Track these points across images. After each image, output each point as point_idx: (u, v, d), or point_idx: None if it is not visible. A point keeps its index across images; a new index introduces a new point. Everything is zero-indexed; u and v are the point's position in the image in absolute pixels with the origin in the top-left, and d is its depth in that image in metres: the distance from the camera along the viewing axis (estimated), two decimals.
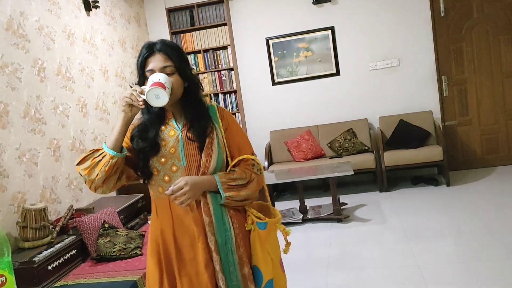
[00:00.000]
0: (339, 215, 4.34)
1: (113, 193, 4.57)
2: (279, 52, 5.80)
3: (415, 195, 4.88)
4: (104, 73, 4.80)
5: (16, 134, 3.31)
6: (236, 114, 5.88)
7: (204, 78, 5.90)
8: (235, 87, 5.85)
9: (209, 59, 5.87)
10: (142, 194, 4.25)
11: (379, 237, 3.89)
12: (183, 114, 1.61)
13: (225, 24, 5.77)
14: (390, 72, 5.57)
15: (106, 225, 3.42)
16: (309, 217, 4.45)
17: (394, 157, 5.07)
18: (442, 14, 5.35)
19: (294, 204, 4.91)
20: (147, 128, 1.59)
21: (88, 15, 4.62)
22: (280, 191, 5.83)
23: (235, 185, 1.53)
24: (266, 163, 5.48)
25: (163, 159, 1.56)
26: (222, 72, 5.86)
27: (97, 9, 4.76)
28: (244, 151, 1.64)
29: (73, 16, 4.34)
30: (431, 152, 4.98)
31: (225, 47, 5.82)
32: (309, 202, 4.88)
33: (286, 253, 1.71)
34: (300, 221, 4.42)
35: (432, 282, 2.89)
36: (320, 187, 5.59)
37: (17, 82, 3.39)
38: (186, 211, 1.55)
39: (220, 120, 1.62)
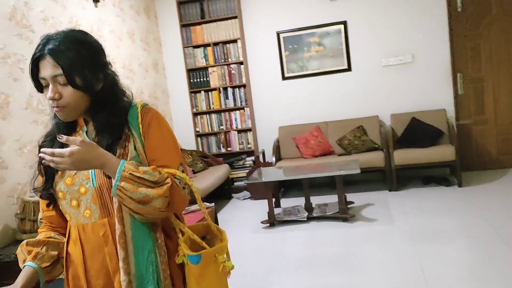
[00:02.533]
0: (345, 214, 4.24)
1: None
2: (290, 47, 5.70)
3: (425, 196, 4.74)
4: (111, 66, 4.76)
5: (17, 126, 3.29)
6: (245, 108, 5.80)
7: (213, 71, 5.83)
8: (244, 82, 5.77)
9: (218, 53, 5.80)
10: None
11: (384, 238, 3.78)
12: (92, 122, 1.30)
13: (235, 17, 5.69)
14: (403, 68, 5.42)
15: None
16: (315, 215, 4.37)
17: (404, 156, 4.94)
18: (459, 10, 5.17)
19: (300, 201, 4.83)
20: (54, 138, 1.30)
21: (96, 6, 4.58)
22: (288, 187, 5.75)
23: (139, 177, 1.15)
24: (274, 158, 5.40)
25: (68, 179, 1.27)
26: (232, 66, 5.78)
27: (105, 0, 4.72)
28: (164, 162, 1.26)
29: (80, 7, 4.31)
30: (443, 152, 4.83)
31: (235, 41, 5.74)
32: (316, 200, 4.79)
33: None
34: (305, 219, 4.33)
35: (434, 286, 2.79)
36: (328, 184, 5.48)
37: (20, 73, 3.37)
38: (99, 245, 1.25)
39: (140, 126, 1.27)
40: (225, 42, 5.76)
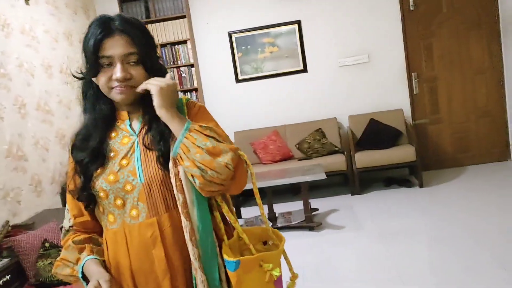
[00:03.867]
0: (311, 222, 4.02)
1: (58, 204, 4.06)
2: (243, 48, 5.43)
3: (388, 198, 4.64)
4: (47, 69, 4.26)
5: None
6: None
7: None
8: (195, 85, 5.43)
9: (167, 55, 5.41)
10: None
11: (354, 244, 3.61)
12: (142, 113, 1.22)
13: (183, 17, 5.33)
14: (360, 68, 5.31)
15: (47, 244, 2.96)
16: (279, 225, 4.11)
17: (366, 158, 4.81)
18: (412, 8, 5.14)
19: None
20: (89, 134, 1.20)
21: (27, 4, 4.07)
22: (247, 195, 5.46)
23: (208, 131, 1.11)
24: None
25: (111, 176, 1.15)
26: (182, 68, 5.42)
27: None
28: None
29: (8, 4, 3.80)
30: (404, 153, 4.75)
31: (184, 42, 5.38)
32: (278, 207, 4.54)
33: None
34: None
35: (410, 285, 2.74)
36: (289, 190, 5.26)
37: None
38: (146, 247, 1.15)
39: (187, 118, 1.19)
40: (174, 43, 5.39)
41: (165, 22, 5.36)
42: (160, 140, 1.15)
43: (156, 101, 1.11)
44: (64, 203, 4.12)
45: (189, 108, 1.24)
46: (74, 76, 1.22)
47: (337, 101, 5.37)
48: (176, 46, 5.40)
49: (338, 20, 5.27)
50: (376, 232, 3.79)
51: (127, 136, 1.20)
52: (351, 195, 4.89)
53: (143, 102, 1.20)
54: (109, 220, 1.18)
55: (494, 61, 5.14)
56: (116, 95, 1.15)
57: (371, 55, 5.28)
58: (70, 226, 1.25)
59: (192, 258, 1.11)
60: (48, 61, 4.30)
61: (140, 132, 1.20)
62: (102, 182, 1.15)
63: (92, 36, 1.12)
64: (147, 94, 1.15)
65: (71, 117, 4.49)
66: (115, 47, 1.11)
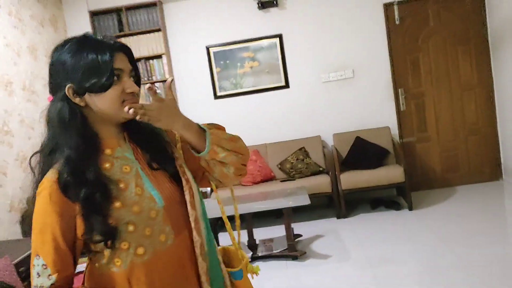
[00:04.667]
0: (294, 251, 3.71)
1: (17, 235, 3.68)
2: (222, 62, 5.15)
3: (377, 222, 4.36)
4: (7, 86, 3.92)
5: None
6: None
7: None
8: None
9: (141, 70, 5.10)
10: None
11: (341, 275, 3.31)
12: (126, 135, 1.20)
13: (158, 30, 5.04)
14: (344, 84, 5.07)
15: None
16: (260, 254, 3.79)
17: (352, 179, 4.54)
18: (397, 22, 4.94)
19: (242, 236, 4.22)
20: (79, 168, 1.07)
21: None
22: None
23: (217, 127, 1.24)
24: (209, 188, 4.77)
25: (136, 208, 1.10)
26: (157, 84, 5.11)
27: None
28: None
29: None
30: (392, 173, 4.50)
31: (159, 56, 5.08)
32: (258, 233, 4.22)
33: None
34: (249, 259, 3.74)
35: None
36: (271, 212, 4.93)
37: None
38: (183, 263, 1.18)
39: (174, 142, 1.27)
40: (148, 58, 5.08)
41: (139, 36, 5.06)
42: (164, 159, 1.20)
43: (162, 125, 1.11)
44: (25, 233, 3.75)
45: (169, 132, 1.25)
46: (69, 96, 1.09)
47: (321, 119, 5.11)
48: (151, 61, 5.09)
49: (321, 33, 5.04)
50: (364, 260, 3.50)
51: (126, 164, 1.15)
52: (337, 218, 4.59)
53: (124, 125, 1.18)
54: (138, 253, 1.10)
55: (483, 77, 4.95)
56: (128, 110, 1.07)
57: (355, 71, 5.05)
58: (51, 285, 1.07)
59: (200, 272, 1.17)
60: (8, 77, 3.95)
61: (136, 157, 1.18)
62: (129, 215, 1.09)
63: (105, 50, 1.07)
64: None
65: (34, 137, 4.13)
66: (124, 62, 1.11)
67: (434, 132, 5.08)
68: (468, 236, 3.69)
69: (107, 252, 1.09)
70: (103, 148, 1.13)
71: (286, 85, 5.13)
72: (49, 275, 1.06)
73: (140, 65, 5.09)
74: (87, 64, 1.06)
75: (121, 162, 1.14)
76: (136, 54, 5.03)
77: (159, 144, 1.20)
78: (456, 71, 4.97)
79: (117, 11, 5.04)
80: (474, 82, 4.97)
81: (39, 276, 1.06)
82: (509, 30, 4.48)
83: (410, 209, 4.48)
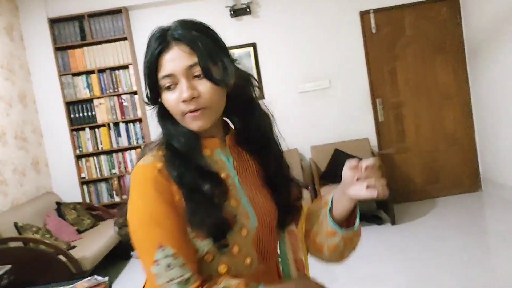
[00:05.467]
0: None
1: None
2: None
3: (361, 239, 4.14)
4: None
5: None
6: (142, 147, 4.81)
7: (100, 104, 4.78)
8: (139, 115, 4.80)
9: (105, 81, 4.77)
10: (9, 266, 3.02)
11: None
12: (229, 138, 1.05)
13: (125, 39, 4.73)
14: (321, 94, 4.89)
15: None
16: None
17: None
18: (374, 31, 4.82)
19: None
20: (188, 161, 0.96)
21: None
22: None
23: None
24: None
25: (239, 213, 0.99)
26: (123, 96, 4.79)
27: None
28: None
29: None
30: None
31: (125, 66, 4.76)
32: None
33: None
34: None
35: None
36: None
37: None
38: None
39: None
40: (114, 68, 4.76)
41: (104, 45, 4.74)
42: (276, 172, 1.06)
43: None
44: None
45: None
46: (146, 103, 1.01)
47: (297, 131, 4.90)
48: (117, 71, 4.77)
49: (296, 42, 4.86)
50: (351, 282, 3.27)
51: (224, 170, 1.00)
52: None
53: (226, 124, 1.07)
54: (220, 271, 0.94)
55: (461, 86, 4.88)
56: (190, 123, 0.95)
57: (332, 80, 4.88)
58: (191, 276, 0.89)
59: None
60: None
61: (236, 165, 1.03)
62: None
63: (149, 53, 0.94)
64: (232, 109, 1.03)
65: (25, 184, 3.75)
66: (175, 60, 0.92)
67: (413, 143, 4.96)
68: (454, 249, 3.53)
69: None
70: (202, 147, 1.00)
71: (261, 96, 4.90)
72: (183, 264, 0.89)
73: (105, 76, 4.76)
74: (143, 72, 0.97)
75: (219, 166, 1.00)
76: (101, 64, 4.72)
77: (269, 145, 1.08)
78: (434, 80, 4.88)
79: (79, 18, 4.71)
80: (452, 92, 4.89)
81: (171, 267, 0.88)
82: (485, 39, 4.42)
83: (393, 223, 4.30)
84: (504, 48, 4.11)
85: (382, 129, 4.93)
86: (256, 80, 1.07)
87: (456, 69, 4.86)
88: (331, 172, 4.61)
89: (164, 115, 0.99)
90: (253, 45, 4.85)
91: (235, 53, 4.85)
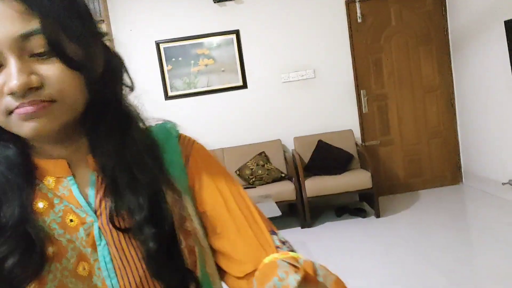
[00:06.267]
0: None
1: None
2: (173, 59, 4.69)
3: (344, 231, 4.08)
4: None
5: None
6: None
7: None
8: None
9: None
10: None
11: None
12: (96, 154, 0.65)
13: (101, 21, 4.50)
14: (305, 85, 4.78)
15: None
16: None
17: (317, 186, 4.24)
18: (359, 20, 4.73)
19: None
20: None
21: None
22: None
23: None
24: None
25: None
26: None
27: None
28: (258, 241, 0.66)
29: None
30: (358, 179, 4.24)
31: None
32: None
33: None
34: None
35: None
36: None
37: None
38: None
39: (186, 168, 0.70)
40: None
41: None
42: (159, 219, 0.62)
43: None
44: None
45: (185, 148, 0.72)
46: None
47: (281, 121, 4.79)
48: None
49: (280, 30, 4.73)
50: (335, 271, 3.19)
51: (72, 211, 0.62)
52: (301, 228, 4.27)
53: (90, 131, 0.65)
54: None
55: (444, 79, 4.85)
56: (20, 125, 0.57)
57: (317, 71, 4.78)
58: None
59: None
60: None
61: (100, 203, 0.63)
62: None
63: None
64: (96, 112, 0.64)
65: None
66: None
67: (397, 135, 4.92)
68: (437, 242, 3.51)
69: None
70: (40, 176, 0.63)
71: (244, 85, 4.76)
72: None
73: None
74: None
75: (65, 204, 0.62)
76: None
77: (147, 178, 0.64)
78: (418, 72, 4.84)
79: None
80: (436, 84, 4.87)
81: None
82: (469, 32, 4.39)
83: (378, 216, 4.24)
84: (488, 41, 4.09)
85: (366, 120, 4.87)
86: (129, 75, 0.70)
87: (440, 61, 4.83)
88: (315, 163, 4.52)
89: None
90: (236, 32, 4.70)
91: (217, 40, 4.69)
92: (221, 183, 0.70)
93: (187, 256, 0.64)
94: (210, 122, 4.75)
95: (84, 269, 0.61)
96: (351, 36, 4.76)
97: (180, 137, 0.73)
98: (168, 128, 0.73)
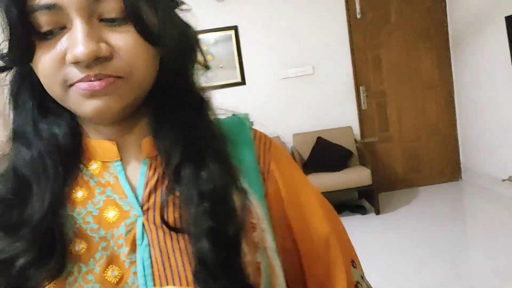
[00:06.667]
0: None
1: None
2: None
3: (346, 229, 4.05)
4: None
5: None
6: None
7: None
8: None
9: None
10: None
11: None
12: (155, 142, 0.56)
13: None
14: (304, 81, 4.75)
15: None
16: None
17: (317, 183, 4.20)
18: (359, 17, 4.70)
19: None
20: (23, 192, 0.51)
21: None
22: None
23: None
24: None
25: None
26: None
27: None
28: (340, 262, 0.61)
29: None
30: (358, 176, 4.22)
31: None
32: None
33: None
34: None
35: None
36: None
37: None
38: None
39: (262, 171, 0.61)
40: None
41: None
42: (214, 213, 0.51)
43: None
44: None
45: (262, 152, 0.62)
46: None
47: (279, 118, 4.75)
48: None
49: (279, 26, 4.69)
50: None
51: (115, 203, 0.54)
52: None
53: (152, 118, 0.57)
54: None
55: (444, 76, 4.83)
56: (80, 104, 0.50)
57: (315, 67, 4.75)
58: None
59: None
60: None
61: (148, 196, 0.55)
62: None
63: None
64: (163, 96, 0.56)
65: None
66: None
67: (396, 132, 4.90)
68: (437, 238, 3.50)
69: None
70: (86, 160, 0.56)
71: (242, 82, 4.73)
72: None
73: None
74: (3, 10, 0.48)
75: (108, 195, 0.55)
76: None
77: (214, 171, 0.55)
78: (418, 68, 4.82)
79: None
80: (435, 81, 4.85)
81: None
82: (469, 28, 4.37)
83: (377, 213, 4.22)
84: (488, 38, 4.07)
85: (365, 117, 4.84)
86: (202, 52, 0.63)
87: (439, 58, 4.81)
88: (314, 160, 4.49)
89: (25, 89, 0.55)
90: (235, 28, 4.66)
91: (216, 36, 4.65)
92: (314, 203, 0.64)
93: (249, 273, 0.52)
94: None
95: (114, 274, 0.51)
96: (350, 32, 4.73)
97: (254, 132, 0.66)
98: (241, 119, 0.67)
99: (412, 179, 4.93)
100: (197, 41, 0.61)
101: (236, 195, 0.54)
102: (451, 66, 4.80)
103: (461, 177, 4.94)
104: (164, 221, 0.52)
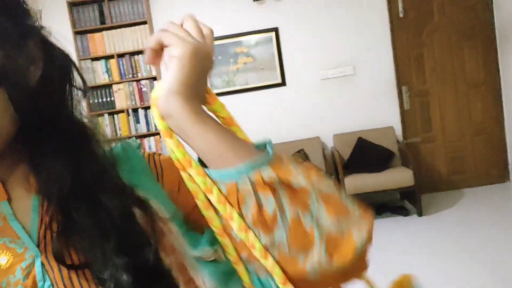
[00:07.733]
0: None
1: None
2: (213, 58, 4.76)
3: (386, 229, 4.03)
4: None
5: None
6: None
7: (119, 89, 4.69)
8: None
9: (125, 66, 4.68)
10: None
11: None
12: (40, 176, 0.50)
13: (144, 23, 4.63)
14: (344, 81, 4.75)
15: None
16: None
17: (357, 183, 4.21)
18: (401, 15, 4.65)
19: None
20: None
21: None
22: None
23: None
24: None
25: None
26: (142, 82, 4.69)
27: None
28: None
29: None
30: (400, 177, 4.18)
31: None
32: None
33: None
34: None
35: None
36: None
37: None
38: None
39: (154, 167, 0.60)
40: (133, 53, 4.66)
41: (123, 29, 4.64)
42: (123, 244, 0.49)
43: (174, 76, 0.49)
44: None
45: (152, 155, 0.61)
46: None
47: (320, 118, 4.77)
48: (136, 56, 4.67)
49: (320, 27, 4.71)
50: (375, 273, 3.16)
51: (5, 247, 0.50)
52: None
53: (32, 146, 0.50)
54: None
55: (490, 74, 4.70)
56: None
57: (356, 67, 4.73)
58: None
59: None
60: None
61: (44, 232, 0.50)
62: None
63: None
64: (33, 132, 0.49)
65: None
66: None
67: (439, 132, 4.81)
68: (483, 242, 3.42)
69: None
70: None
71: (283, 83, 4.78)
72: None
73: (124, 61, 4.66)
74: None
75: None
76: (120, 49, 4.63)
77: (110, 199, 0.51)
78: (462, 67, 4.71)
79: (99, 1, 4.61)
80: (481, 80, 4.72)
81: None
82: None
83: (420, 214, 4.17)
84: None
85: (407, 117, 4.78)
86: (80, 75, 0.57)
87: (485, 56, 4.67)
88: (355, 161, 4.49)
89: None
90: (275, 30, 4.72)
91: (256, 38, 4.73)
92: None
93: (177, 274, 0.51)
94: (249, 120, 4.80)
95: None
96: (392, 31, 4.68)
97: (143, 150, 0.62)
98: (129, 143, 0.61)
99: (456, 181, 4.82)
100: (70, 65, 0.55)
101: (138, 212, 0.51)
102: (497, 64, 4.66)
103: (509, 179, 4.78)
104: (62, 262, 0.48)
